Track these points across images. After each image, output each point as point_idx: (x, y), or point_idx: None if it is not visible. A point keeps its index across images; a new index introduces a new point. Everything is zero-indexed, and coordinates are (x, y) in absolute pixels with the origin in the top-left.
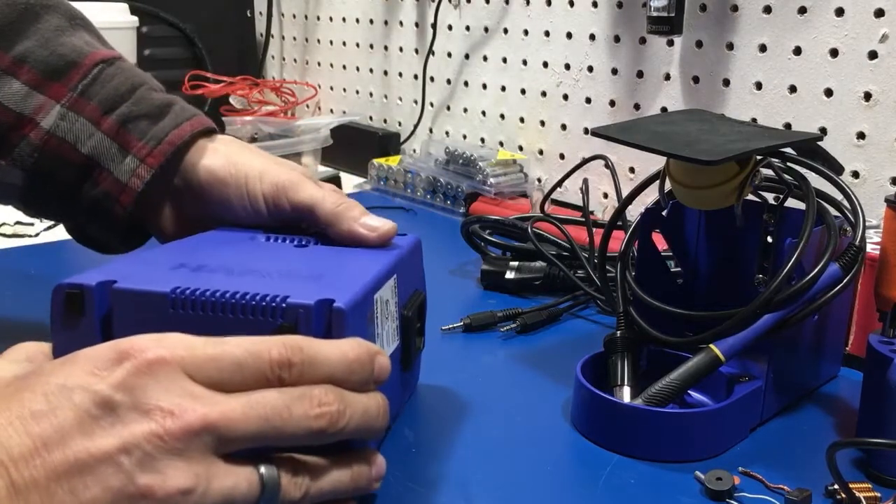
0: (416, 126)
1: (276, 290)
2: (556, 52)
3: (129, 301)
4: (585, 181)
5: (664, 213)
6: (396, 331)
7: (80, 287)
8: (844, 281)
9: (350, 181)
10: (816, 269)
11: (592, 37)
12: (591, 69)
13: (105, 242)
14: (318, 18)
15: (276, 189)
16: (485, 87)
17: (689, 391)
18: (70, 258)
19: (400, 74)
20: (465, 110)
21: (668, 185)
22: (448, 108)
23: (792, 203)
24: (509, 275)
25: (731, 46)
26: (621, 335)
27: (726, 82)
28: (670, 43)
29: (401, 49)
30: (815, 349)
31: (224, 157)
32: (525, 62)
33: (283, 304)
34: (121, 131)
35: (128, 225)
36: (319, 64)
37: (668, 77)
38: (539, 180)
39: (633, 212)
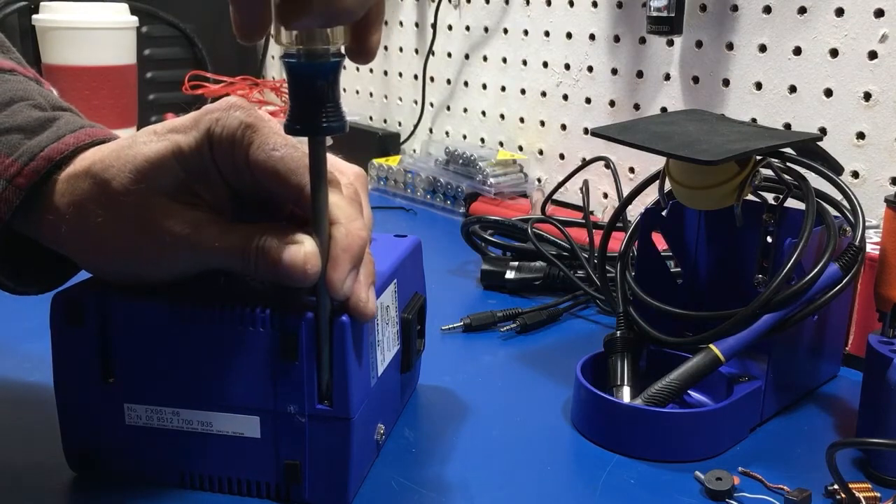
0: (416, 126)
1: (277, 300)
2: (556, 52)
3: (127, 313)
4: (586, 182)
5: (664, 213)
6: (397, 335)
7: (78, 298)
8: (844, 281)
9: None
10: (816, 270)
11: (592, 37)
12: (590, 69)
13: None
14: None
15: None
16: (485, 87)
17: (689, 391)
18: None
19: (400, 74)
20: (465, 110)
21: (667, 185)
22: (448, 108)
23: (792, 203)
24: (509, 275)
25: (731, 46)
26: (621, 335)
27: (726, 82)
28: (670, 43)
29: (401, 49)
30: (814, 349)
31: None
32: (525, 62)
33: (284, 317)
34: None
35: (16, 262)
36: None
37: (667, 77)
38: (539, 180)
39: (633, 212)
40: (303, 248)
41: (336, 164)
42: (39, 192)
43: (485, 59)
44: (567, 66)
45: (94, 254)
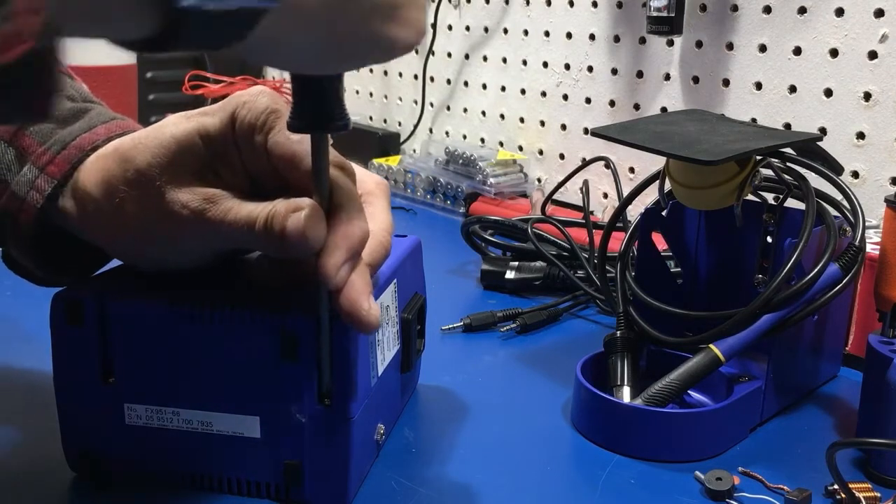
0: (416, 126)
1: (277, 301)
2: (556, 52)
3: (127, 313)
4: (586, 182)
5: (664, 213)
6: (397, 335)
7: (78, 298)
8: (844, 281)
9: None
10: (816, 270)
11: (592, 37)
12: (590, 69)
13: (30, 271)
14: None
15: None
16: (485, 87)
17: (689, 391)
18: None
19: (400, 74)
20: (465, 110)
21: (668, 185)
22: (448, 108)
23: (792, 203)
24: (509, 275)
25: (731, 46)
26: (621, 335)
27: (726, 82)
28: (670, 43)
29: None
30: (814, 349)
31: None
32: (525, 62)
33: (284, 317)
34: (18, 134)
35: (47, 250)
36: None
37: (667, 77)
38: (539, 180)
39: (633, 212)
40: (302, 213)
41: (358, 174)
42: (70, 180)
43: (485, 59)
44: (567, 66)
45: (117, 234)
